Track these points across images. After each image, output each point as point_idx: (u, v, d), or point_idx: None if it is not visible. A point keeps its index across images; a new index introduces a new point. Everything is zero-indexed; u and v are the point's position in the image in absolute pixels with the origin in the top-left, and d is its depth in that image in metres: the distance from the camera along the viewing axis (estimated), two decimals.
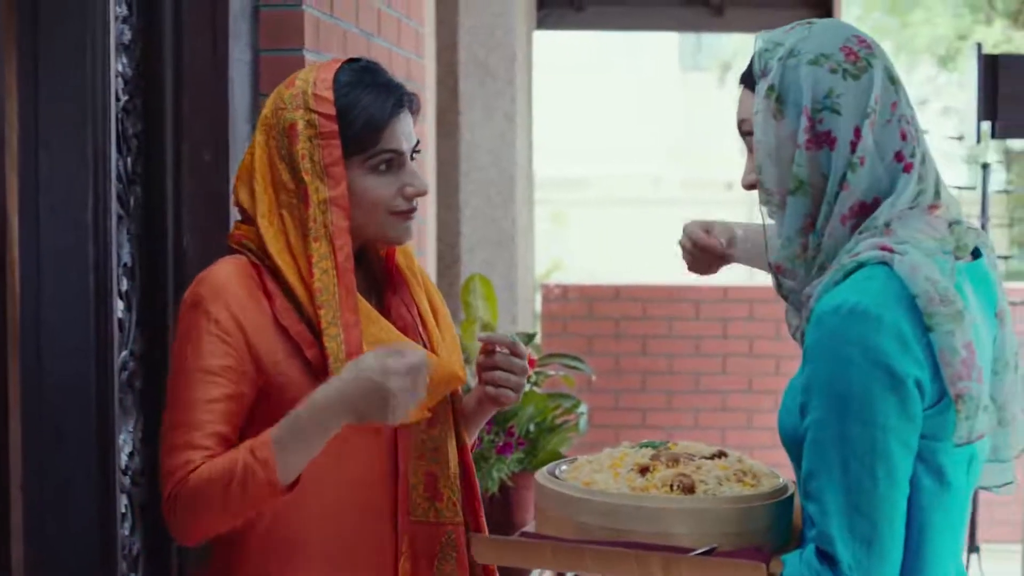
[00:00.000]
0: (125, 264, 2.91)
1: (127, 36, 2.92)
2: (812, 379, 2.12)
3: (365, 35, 3.71)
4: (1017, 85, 5.97)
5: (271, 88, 3.24)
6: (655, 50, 24.14)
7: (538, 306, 8.49)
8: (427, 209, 4.82)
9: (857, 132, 2.16)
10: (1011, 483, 2.32)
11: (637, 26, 9.12)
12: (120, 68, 2.89)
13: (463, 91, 6.10)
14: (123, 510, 2.89)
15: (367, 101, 2.41)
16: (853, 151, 2.16)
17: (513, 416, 3.90)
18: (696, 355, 8.28)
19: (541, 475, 2.34)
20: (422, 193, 2.46)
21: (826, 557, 2.09)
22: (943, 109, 14.46)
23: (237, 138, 3.12)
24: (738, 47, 21.82)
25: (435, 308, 2.61)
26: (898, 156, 2.19)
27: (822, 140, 2.17)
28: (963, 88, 6.42)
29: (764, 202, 2.25)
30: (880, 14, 15.55)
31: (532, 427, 3.93)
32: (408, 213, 2.45)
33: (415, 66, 4.26)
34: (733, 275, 20.04)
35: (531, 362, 4.01)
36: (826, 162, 2.17)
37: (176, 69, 3.03)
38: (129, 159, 2.93)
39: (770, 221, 2.29)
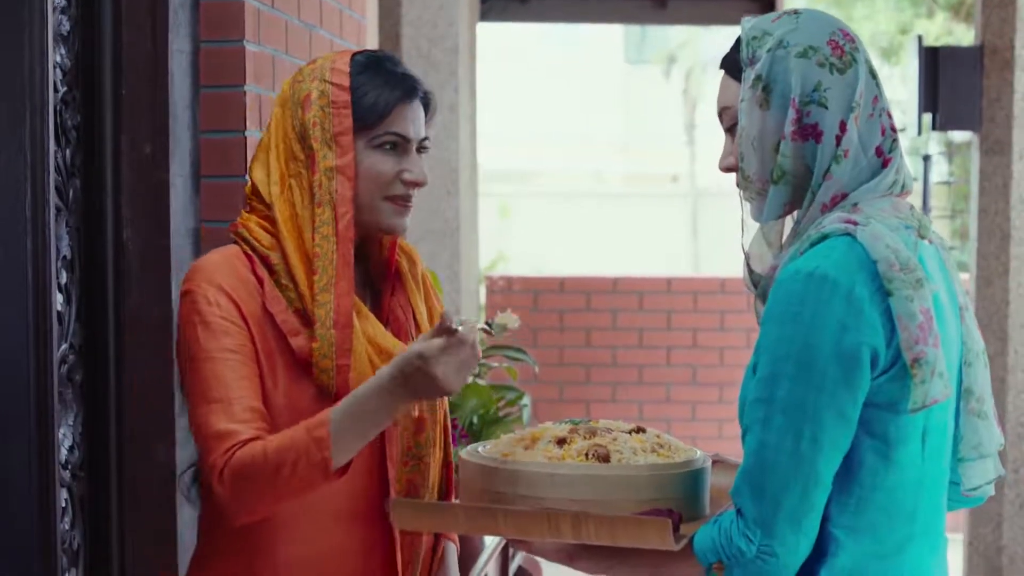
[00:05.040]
0: (64, 257, 2.89)
1: (65, 27, 2.90)
2: (762, 339, 2.15)
3: (307, 26, 3.69)
4: (957, 77, 6.02)
5: (212, 79, 3.23)
6: (600, 43, 24.17)
7: (483, 298, 8.49)
8: None
9: (843, 126, 2.21)
10: (993, 480, 2.34)
11: (580, 18, 9.14)
12: (58, 59, 2.86)
13: None
14: (63, 504, 2.87)
15: (380, 82, 2.45)
16: (838, 144, 2.21)
17: (456, 408, 3.90)
18: (640, 347, 8.31)
19: (465, 451, 2.40)
20: (419, 183, 2.48)
21: (738, 512, 2.13)
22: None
23: (177, 129, 3.10)
24: (683, 39, 21.87)
25: (432, 312, 2.61)
26: (878, 150, 2.24)
27: (808, 133, 2.21)
28: (905, 81, 6.46)
29: (742, 187, 2.29)
30: (823, 8, 15.60)
31: (475, 419, 3.93)
32: (403, 201, 2.46)
33: None
34: (676, 266, 20.06)
35: None
36: (811, 154, 2.22)
37: (115, 60, 3.01)
38: (68, 151, 2.91)
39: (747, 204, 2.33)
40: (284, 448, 2.27)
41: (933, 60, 6.06)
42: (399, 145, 2.45)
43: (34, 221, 2.67)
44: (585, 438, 2.33)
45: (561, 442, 2.32)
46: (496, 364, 4.31)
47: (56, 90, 2.84)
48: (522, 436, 2.38)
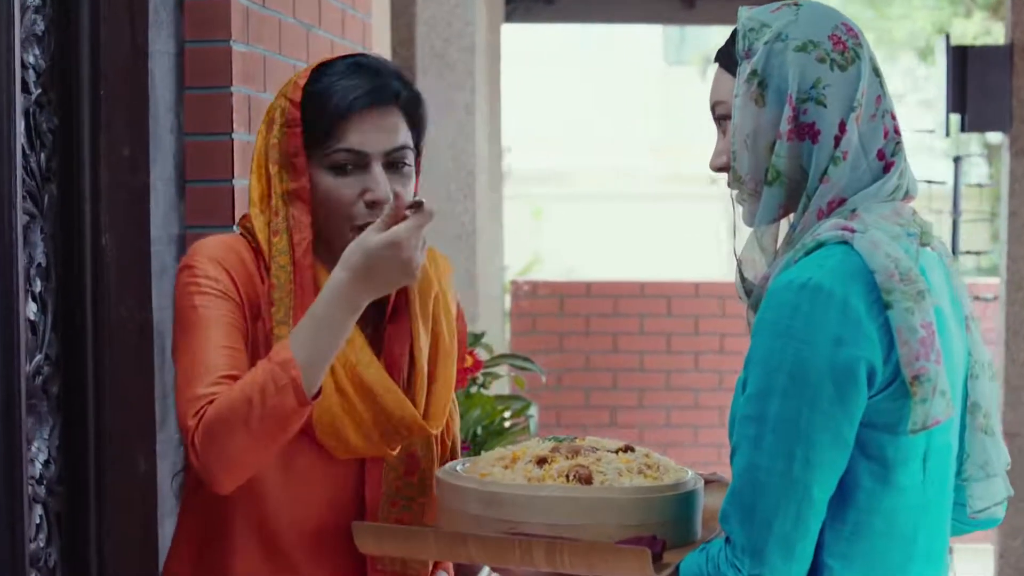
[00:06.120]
0: (39, 264, 2.79)
1: (40, 27, 2.80)
2: (752, 353, 2.03)
3: (304, 26, 3.59)
4: (987, 77, 5.87)
5: (197, 80, 3.13)
6: (640, 44, 24.05)
7: (508, 303, 8.39)
8: None
9: (842, 126, 2.08)
10: (1003, 501, 2.20)
11: (606, 19, 9.01)
12: (31, 60, 2.76)
13: (421, 84, 5.93)
14: (37, 521, 2.77)
15: (333, 91, 2.24)
16: (837, 145, 2.07)
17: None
18: (667, 352, 8.18)
19: (442, 470, 2.26)
20: (380, 201, 2.24)
21: (727, 539, 2.00)
22: (921, 102, 14.41)
23: (158, 132, 3.00)
24: (720, 40, 21.72)
25: (438, 342, 2.39)
26: (880, 153, 2.11)
27: (805, 132, 2.08)
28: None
29: (734, 187, 2.16)
30: (859, 7, 15.43)
31: (479, 431, 3.82)
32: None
33: None
34: (704, 271, 20.05)
35: (478, 364, 3.90)
36: (807, 155, 2.09)
37: (93, 61, 2.90)
38: (43, 155, 2.80)
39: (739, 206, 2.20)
40: (248, 382, 2.11)
41: (962, 59, 5.90)
42: (357, 163, 2.24)
43: (1, 228, 2.57)
44: (567, 457, 2.19)
45: (542, 462, 2.18)
46: (504, 374, 4.19)
47: (29, 92, 2.75)
48: (502, 454, 2.25)
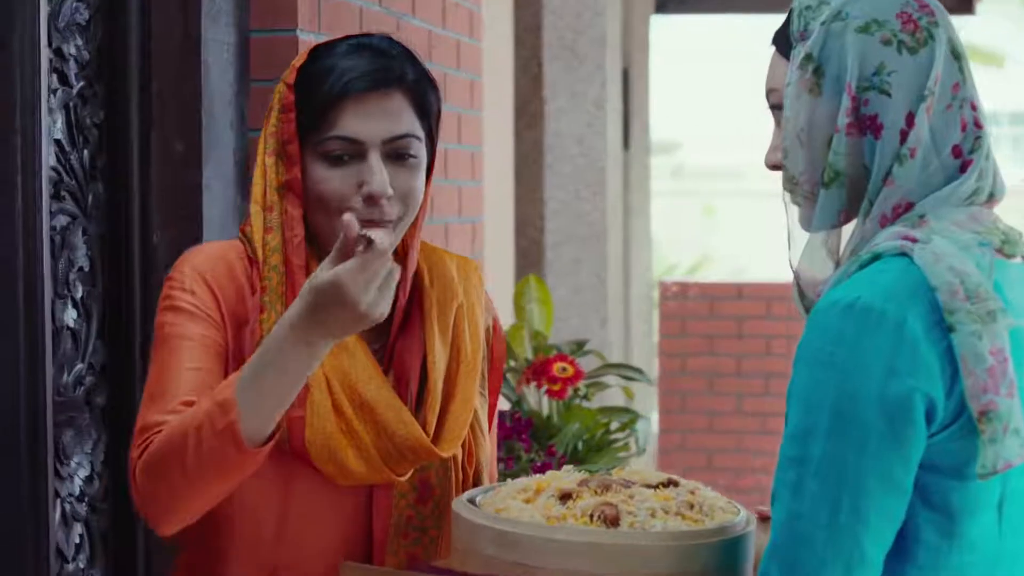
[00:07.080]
0: (80, 268, 2.63)
1: (83, 15, 2.64)
2: (792, 385, 1.74)
3: (393, 15, 3.38)
4: None
5: (263, 72, 2.94)
6: None
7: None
8: (488, 204, 4.49)
9: (910, 119, 1.78)
10: None
11: (760, 9, 8.70)
12: (73, 51, 2.60)
13: (548, 77, 5.72)
14: (77, 540, 2.61)
15: (329, 72, 2.01)
16: (903, 141, 1.78)
17: (556, 433, 3.54)
18: None
19: (458, 500, 1.99)
20: (378, 196, 1.99)
21: None
22: None
23: (213, 126, 2.81)
24: None
25: (458, 356, 2.14)
26: (956, 150, 1.81)
27: (866, 126, 1.80)
28: None
29: (788, 189, 1.88)
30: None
31: (579, 445, 3.57)
32: (367, 224, 1.96)
33: (466, 49, 3.92)
34: None
35: (579, 374, 3.67)
36: (869, 152, 1.80)
37: (142, 52, 2.73)
38: (86, 151, 2.64)
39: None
40: (190, 416, 1.87)
41: None
42: (352, 152, 2.00)
43: (25, 230, 2.42)
44: (596, 493, 1.90)
45: (566, 497, 1.90)
46: (612, 384, 3.95)
47: (70, 85, 2.59)
48: (526, 485, 1.97)
